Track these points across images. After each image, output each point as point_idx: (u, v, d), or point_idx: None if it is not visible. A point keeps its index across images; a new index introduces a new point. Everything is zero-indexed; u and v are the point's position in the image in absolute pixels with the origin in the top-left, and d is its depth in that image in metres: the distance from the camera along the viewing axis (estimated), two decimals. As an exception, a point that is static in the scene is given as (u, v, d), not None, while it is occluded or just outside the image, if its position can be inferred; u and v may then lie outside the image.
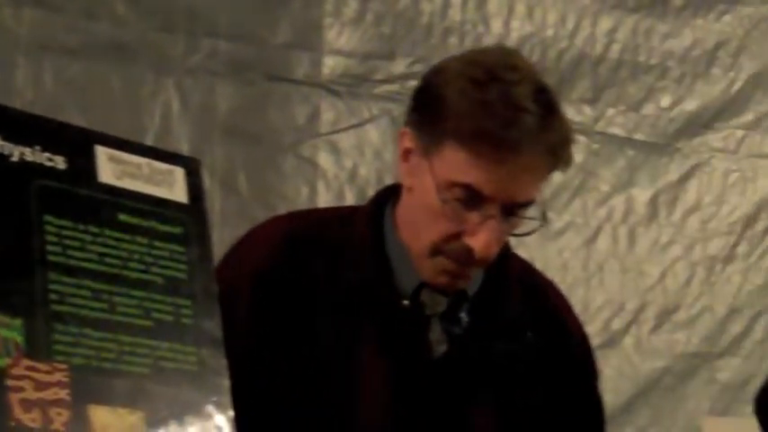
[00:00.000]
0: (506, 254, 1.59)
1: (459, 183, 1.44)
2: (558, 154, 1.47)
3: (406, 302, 1.53)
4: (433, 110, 1.48)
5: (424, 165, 1.47)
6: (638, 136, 3.43)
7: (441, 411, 1.51)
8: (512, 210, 1.46)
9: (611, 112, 3.42)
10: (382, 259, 1.55)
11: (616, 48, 3.43)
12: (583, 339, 1.67)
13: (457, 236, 1.46)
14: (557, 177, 3.33)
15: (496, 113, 1.42)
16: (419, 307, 1.53)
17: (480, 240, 1.44)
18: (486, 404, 1.53)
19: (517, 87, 1.45)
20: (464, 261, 1.47)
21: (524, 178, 1.45)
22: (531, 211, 1.51)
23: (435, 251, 1.48)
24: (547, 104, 1.48)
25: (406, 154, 1.52)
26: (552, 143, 1.46)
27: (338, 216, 1.64)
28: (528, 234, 1.51)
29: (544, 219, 1.51)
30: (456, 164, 1.44)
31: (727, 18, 3.55)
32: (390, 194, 1.60)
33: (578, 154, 3.34)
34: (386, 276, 1.54)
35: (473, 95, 1.44)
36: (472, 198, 1.44)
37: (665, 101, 3.48)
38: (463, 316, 1.55)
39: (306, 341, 1.50)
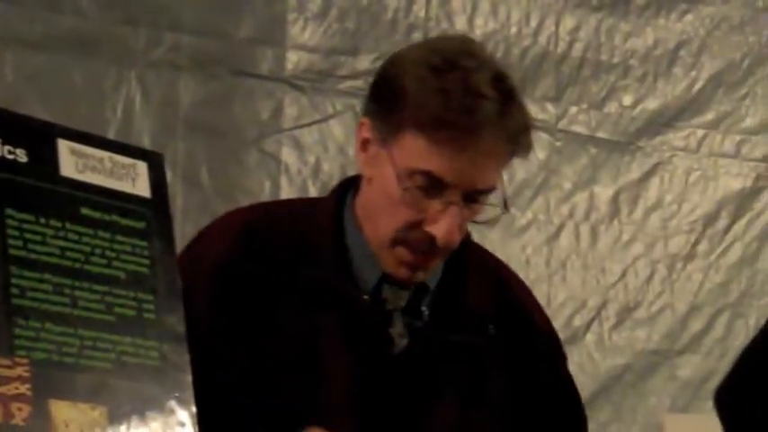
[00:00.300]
0: (466, 244, 1.59)
1: (420, 170, 1.44)
2: (517, 140, 1.47)
3: (366, 297, 1.53)
4: (392, 99, 1.47)
5: (384, 154, 1.47)
6: (601, 134, 3.45)
7: (404, 405, 1.50)
8: (473, 196, 1.46)
9: (573, 110, 3.43)
10: (342, 254, 1.54)
11: (579, 46, 3.45)
12: (547, 325, 1.68)
13: (418, 224, 1.46)
14: (519, 174, 3.37)
15: (456, 100, 1.42)
16: (380, 302, 1.53)
17: (442, 227, 1.44)
18: (449, 396, 1.52)
19: (476, 74, 1.45)
20: (426, 250, 1.47)
21: (485, 164, 1.45)
22: (493, 199, 1.51)
23: (396, 241, 1.48)
24: (506, 91, 1.48)
25: (365, 144, 1.51)
26: (512, 129, 1.45)
27: (299, 208, 1.64)
28: (490, 222, 1.52)
29: (506, 207, 1.52)
30: (416, 151, 1.44)
31: (688, 18, 3.57)
32: (350, 186, 1.60)
33: (541, 151, 3.37)
34: (346, 271, 1.53)
35: (432, 83, 1.44)
36: (433, 185, 1.44)
37: (628, 99, 3.50)
38: (424, 309, 1.55)
39: (267, 335, 1.49)
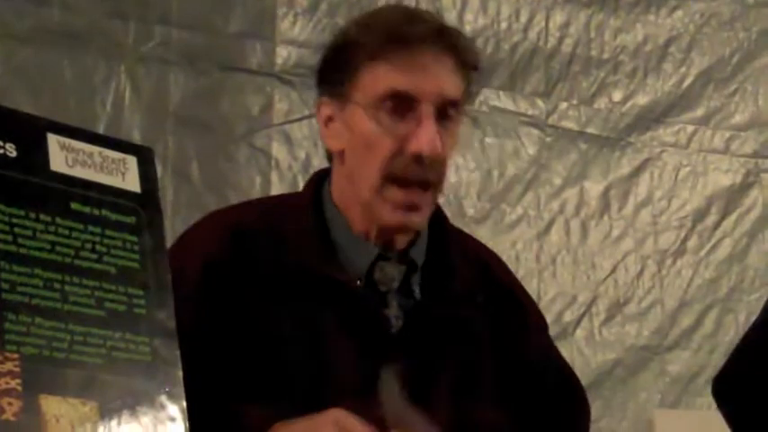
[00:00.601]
0: (447, 227, 1.64)
1: (384, 93, 1.50)
2: (461, 51, 1.54)
3: (359, 282, 1.54)
4: (340, 57, 1.56)
5: (348, 110, 1.53)
6: (591, 130, 3.45)
7: (407, 382, 1.50)
8: (442, 110, 1.51)
9: (563, 105, 3.44)
10: (328, 245, 1.55)
11: (569, 42, 3.45)
12: (527, 297, 1.72)
13: (400, 152, 1.50)
14: (510, 170, 3.38)
15: (397, 24, 1.54)
16: (373, 285, 1.55)
17: (422, 139, 1.48)
18: (447, 369, 1.55)
19: (414, 10, 1.64)
20: (416, 177, 1.50)
21: (438, 73, 1.52)
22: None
23: (386, 179, 1.50)
24: (441, 20, 1.60)
25: (328, 121, 1.57)
26: (453, 40, 1.54)
27: (281, 205, 1.66)
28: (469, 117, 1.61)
29: (476, 123, 1.59)
30: (375, 79, 1.51)
31: (678, 14, 3.58)
32: (323, 179, 1.63)
33: (531, 147, 3.37)
34: (334, 260, 1.55)
35: (375, 25, 1.55)
36: (401, 103, 1.49)
37: (617, 95, 3.50)
38: (415, 288, 1.57)
39: (264, 331, 1.49)
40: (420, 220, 1.54)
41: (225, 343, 1.49)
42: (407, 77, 1.50)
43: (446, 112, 1.52)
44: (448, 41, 1.54)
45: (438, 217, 1.62)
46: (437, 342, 1.55)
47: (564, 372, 1.71)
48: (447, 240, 1.62)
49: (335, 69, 1.56)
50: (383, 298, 1.54)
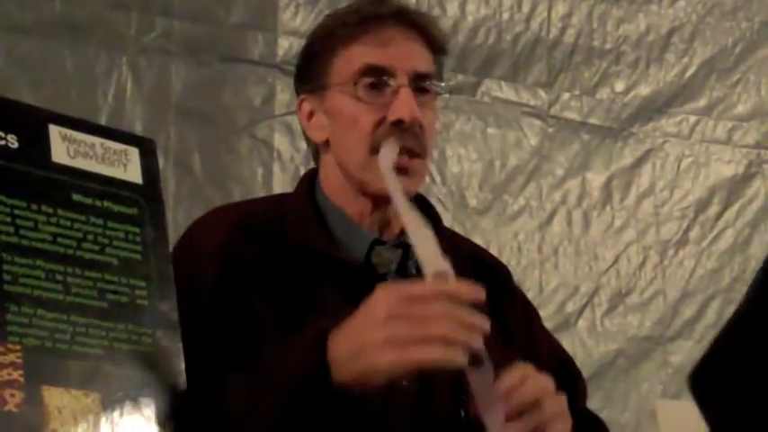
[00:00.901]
0: (435, 215, 1.67)
1: (359, 69, 1.56)
2: (428, 30, 1.62)
3: (360, 264, 1.57)
4: (316, 51, 1.63)
5: (327, 98, 1.60)
6: (593, 120, 3.45)
7: None
8: (417, 83, 1.57)
9: (565, 96, 3.43)
10: (327, 231, 1.59)
11: (571, 32, 3.44)
12: (516, 284, 1.77)
13: (381, 123, 1.56)
14: (511, 160, 3.38)
15: (365, 7, 1.62)
16: (372, 268, 1.57)
17: (400, 106, 1.55)
18: None
19: (385, 4, 1.65)
20: (399, 139, 1.55)
21: (408, 46, 1.59)
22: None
23: (370, 150, 1.55)
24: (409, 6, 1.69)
25: (310, 117, 1.64)
26: (420, 20, 1.62)
27: (279, 200, 1.71)
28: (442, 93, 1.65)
29: (450, 91, 1.66)
30: (349, 60, 1.58)
31: (681, 4, 3.57)
32: (313, 179, 1.67)
33: (533, 137, 3.37)
34: (334, 244, 1.58)
35: (344, 15, 1.63)
36: (377, 79, 1.56)
37: (620, 85, 3.49)
38: (412, 270, 1.59)
39: (273, 308, 1.50)
40: (411, 183, 1.58)
41: (240, 318, 1.49)
42: (380, 52, 1.57)
43: (421, 87, 1.58)
44: (415, 21, 1.61)
45: (429, 208, 1.66)
46: None
47: (562, 354, 1.74)
48: (439, 227, 1.65)
49: (311, 64, 1.63)
50: (383, 279, 1.56)
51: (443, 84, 1.65)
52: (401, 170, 1.55)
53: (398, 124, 1.55)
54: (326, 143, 1.62)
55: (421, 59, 1.60)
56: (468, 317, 1.28)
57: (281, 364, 1.34)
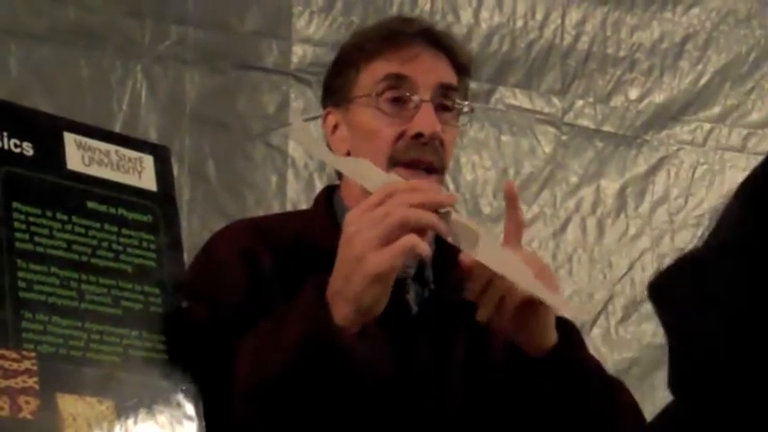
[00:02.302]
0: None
1: (381, 78, 1.59)
2: (453, 50, 1.64)
3: None
4: (342, 66, 1.66)
5: (350, 111, 1.62)
6: (607, 128, 3.44)
7: (426, 360, 1.56)
8: (439, 97, 1.60)
9: (579, 103, 3.43)
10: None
11: (585, 40, 3.44)
12: None
13: (401, 136, 1.58)
14: (526, 168, 3.37)
15: (392, 24, 1.67)
16: None
17: (421, 120, 1.57)
18: (459, 349, 1.59)
19: (411, 22, 1.69)
20: (418, 155, 1.56)
21: (432, 61, 1.62)
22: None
23: (391, 161, 1.57)
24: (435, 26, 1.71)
25: (334, 130, 1.66)
26: (445, 40, 1.65)
27: (296, 213, 1.80)
28: (466, 113, 1.66)
29: (471, 110, 1.67)
30: (374, 73, 1.61)
31: (695, 11, 3.56)
32: (332, 192, 1.70)
33: (547, 145, 3.36)
34: None
35: (371, 31, 1.67)
36: (400, 92, 1.59)
37: (634, 93, 3.49)
38: (429, 276, 1.62)
39: None
40: None
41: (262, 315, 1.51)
42: (403, 65, 1.60)
43: (444, 103, 1.61)
44: (441, 40, 1.64)
45: None
46: (449, 324, 1.60)
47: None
48: (447, 244, 1.65)
49: (337, 78, 1.66)
50: (403, 284, 1.57)
51: (467, 102, 1.66)
52: None
53: (418, 138, 1.57)
54: (348, 155, 1.62)
55: (444, 76, 1.62)
56: (423, 195, 1.32)
57: (282, 320, 1.36)
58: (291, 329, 1.33)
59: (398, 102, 1.59)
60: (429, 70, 1.61)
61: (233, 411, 1.33)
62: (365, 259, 1.29)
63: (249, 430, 1.36)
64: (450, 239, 1.37)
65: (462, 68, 1.66)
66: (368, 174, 1.40)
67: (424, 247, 1.31)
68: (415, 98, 1.58)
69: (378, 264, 1.29)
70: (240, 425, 1.35)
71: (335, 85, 1.68)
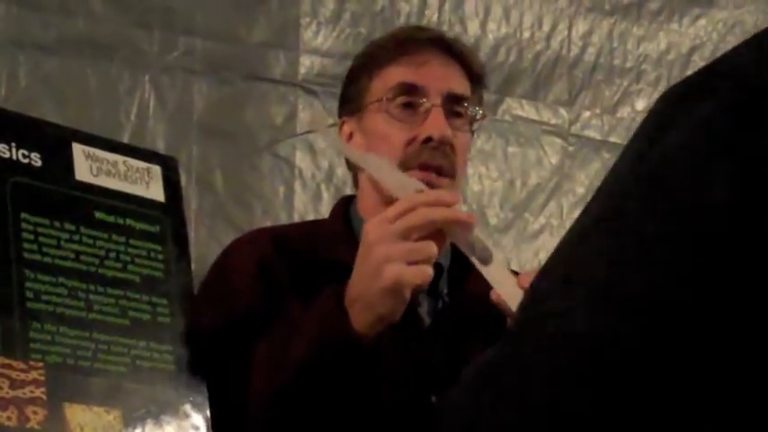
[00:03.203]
0: None
1: (394, 86, 1.62)
2: (465, 58, 1.67)
3: None
4: (356, 75, 1.69)
5: (364, 118, 1.65)
6: (614, 139, 3.44)
7: (435, 373, 1.55)
8: (451, 105, 1.62)
9: (586, 114, 3.43)
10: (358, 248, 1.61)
11: (592, 51, 3.44)
12: None
13: (412, 141, 1.60)
14: (532, 179, 3.37)
15: (404, 32, 1.72)
16: None
17: (432, 123, 1.59)
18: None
19: (424, 31, 1.75)
20: (429, 159, 1.58)
21: (444, 69, 1.64)
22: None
23: (402, 166, 1.57)
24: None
25: (350, 138, 1.68)
26: (458, 48, 1.67)
27: (309, 224, 1.81)
28: (479, 120, 1.68)
29: (483, 116, 1.69)
30: (385, 80, 1.64)
31: (701, 22, 3.57)
32: (349, 202, 1.72)
33: (554, 156, 3.37)
34: None
35: (384, 40, 1.70)
36: (411, 98, 1.61)
37: (641, 104, 3.49)
38: (443, 289, 1.63)
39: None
40: None
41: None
42: (415, 73, 1.62)
43: (455, 109, 1.62)
44: (453, 48, 1.67)
45: None
46: (463, 337, 1.60)
47: None
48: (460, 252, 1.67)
49: (351, 87, 1.68)
50: (415, 297, 1.56)
51: (480, 109, 1.67)
52: (429, 187, 1.57)
53: (428, 142, 1.59)
54: None
55: (456, 82, 1.64)
56: (443, 213, 1.34)
57: (299, 327, 1.37)
58: (309, 335, 1.34)
59: (409, 107, 1.61)
60: (440, 77, 1.62)
61: (248, 421, 1.33)
62: (382, 272, 1.31)
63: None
64: (465, 249, 1.38)
65: (474, 76, 1.68)
66: (389, 173, 1.42)
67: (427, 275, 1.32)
68: (426, 103, 1.60)
69: (394, 278, 1.31)
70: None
71: (349, 95, 1.70)
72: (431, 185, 1.57)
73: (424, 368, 1.55)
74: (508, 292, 1.37)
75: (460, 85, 1.65)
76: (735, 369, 0.60)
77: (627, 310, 0.63)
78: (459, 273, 1.64)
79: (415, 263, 1.31)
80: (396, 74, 1.63)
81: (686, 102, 0.68)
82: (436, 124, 1.59)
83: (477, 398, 0.73)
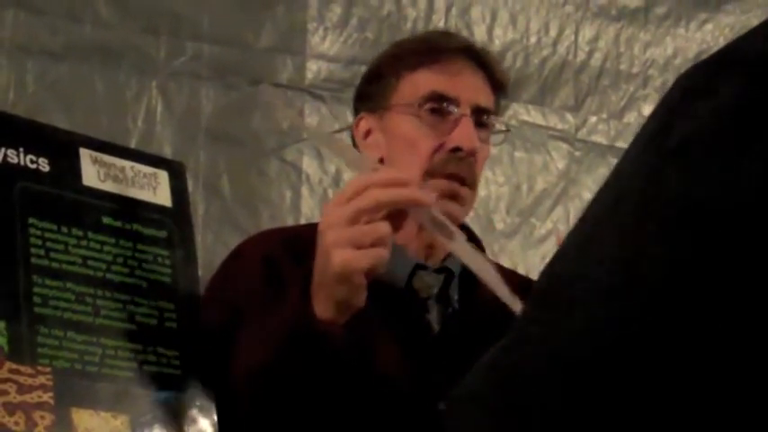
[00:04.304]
0: (479, 245, 1.69)
1: (425, 94, 1.61)
2: (491, 67, 1.67)
3: (401, 287, 1.59)
4: (381, 72, 1.68)
5: (387, 118, 1.64)
6: (620, 144, 3.44)
7: (447, 378, 1.54)
8: (478, 116, 1.62)
9: (593, 119, 3.43)
10: None
11: (598, 56, 3.44)
12: None
13: (440, 149, 1.59)
14: (539, 184, 3.37)
15: (433, 37, 1.73)
16: (414, 292, 1.60)
17: (460, 133, 1.59)
18: None
19: (452, 37, 1.75)
20: (454, 168, 1.58)
21: (473, 80, 1.64)
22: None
23: (427, 172, 1.58)
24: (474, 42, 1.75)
25: (367, 135, 1.67)
26: (484, 57, 1.67)
27: (316, 225, 1.74)
28: (501, 132, 1.69)
29: (507, 129, 1.73)
30: (416, 84, 1.63)
31: (708, 27, 3.56)
32: None
33: (560, 161, 3.37)
34: None
35: (412, 42, 1.72)
36: (440, 106, 1.61)
37: (647, 109, 3.49)
38: (453, 295, 1.62)
39: None
40: (461, 210, 1.62)
41: None
42: (447, 82, 1.62)
43: (481, 121, 1.63)
44: (483, 59, 1.66)
45: (471, 236, 1.67)
46: (474, 343, 1.58)
47: None
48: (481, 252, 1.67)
49: (374, 85, 1.67)
50: (424, 304, 1.59)
51: (502, 119, 1.69)
52: (453, 196, 1.59)
53: (456, 151, 1.59)
54: (381, 162, 1.63)
55: (483, 95, 1.64)
56: (397, 193, 1.30)
57: (270, 313, 1.38)
58: (276, 321, 1.34)
59: (438, 113, 1.61)
60: (470, 89, 1.63)
61: (237, 408, 1.34)
62: (331, 258, 1.28)
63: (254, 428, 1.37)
64: (428, 227, 1.35)
65: (500, 87, 1.69)
66: (350, 152, 1.43)
67: (385, 253, 1.30)
68: (456, 112, 1.60)
69: (341, 264, 1.28)
70: (245, 422, 1.35)
71: (371, 92, 1.69)
72: (455, 195, 1.58)
73: (432, 374, 1.55)
74: (478, 266, 1.35)
75: (487, 98, 1.66)
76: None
77: (640, 299, 0.63)
78: (470, 279, 1.61)
79: (366, 247, 1.28)
80: (428, 80, 1.63)
81: (695, 93, 0.67)
82: (467, 135, 1.59)
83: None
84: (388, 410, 1.47)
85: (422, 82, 1.62)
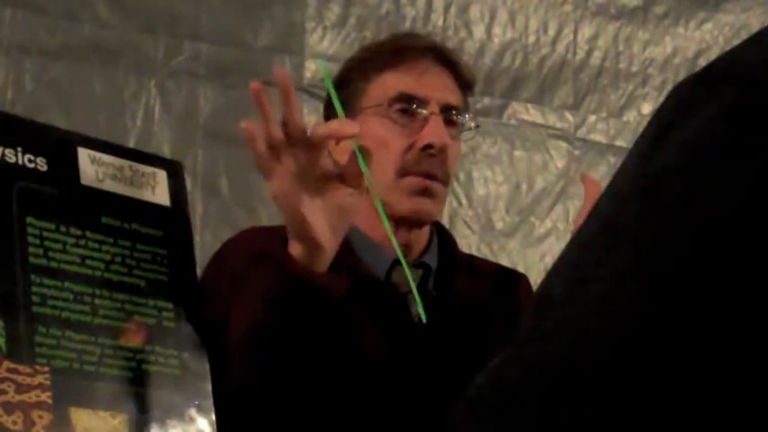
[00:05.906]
0: (452, 241, 1.77)
1: (394, 95, 1.64)
2: (458, 66, 1.69)
3: (381, 280, 1.63)
4: (350, 77, 1.69)
5: (359, 119, 1.64)
6: (619, 142, 3.44)
7: (429, 370, 1.59)
8: (447, 115, 1.65)
9: (592, 118, 3.43)
10: (349, 250, 1.62)
11: (597, 55, 3.45)
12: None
13: (411, 147, 1.62)
14: (538, 183, 3.37)
15: (399, 39, 1.74)
16: (393, 286, 1.64)
17: (430, 131, 1.62)
18: (466, 356, 1.58)
19: (418, 38, 1.78)
20: (426, 165, 1.61)
21: (440, 79, 1.67)
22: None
23: (400, 171, 1.62)
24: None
25: (338, 142, 1.68)
26: (451, 56, 1.70)
27: None
28: (471, 129, 1.72)
29: (477, 125, 1.74)
30: (384, 86, 1.65)
31: (707, 26, 3.57)
32: None
33: (560, 160, 3.37)
34: (356, 260, 1.64)
35: (379, 46, 1.73)
36: (408, 103, 1.63)
37: (646, 108, 3.49)
38: (431, 289, 1.66)
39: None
40: (434, 206, 1.65)
41: None
42: (415, 82, 1.64)
43: (450, 119, 1.66)
44: (448, 58, 1.69)
45: (445, 232, 1.76)
46: (454, 331, 1.63)
47: None
48: (455, 252, 1.75)
49: (344, 89, 1.67)
50: (403, 298, 1.62)
51: (468, 116, 1.70)
52: (425, 193, 1.63)
53: (427, 149, 1.61)
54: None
55: (451, 93, 1.67)
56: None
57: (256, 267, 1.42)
58: (261, 277, 1.39)
59: (407, 113, 1.64)
60: (438, 87, 1.65)
61: (229, 371, 1.35)
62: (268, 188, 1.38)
63: (248, 396, 1.39)
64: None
65: (466, 85, 1.71)
66: None
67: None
68: (425, 111, 1.63)
69: (271, 194, 1.38)
70: (238, 388, 1.37)
71: (341, 97, 1.69)
72: (427, 191, 1.62)
73: (415, 359, 1.57)
74: None
75: (455, 96, 1.68)
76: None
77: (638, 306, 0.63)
78: (446, 273, 1.69)
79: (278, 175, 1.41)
80: (395, 81, 1.65)
81: (692, 102, 0.68)
82: (437, 132, 1.62)
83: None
84: (372, 392, 1.49)
85: (390, 83, 1.65)
